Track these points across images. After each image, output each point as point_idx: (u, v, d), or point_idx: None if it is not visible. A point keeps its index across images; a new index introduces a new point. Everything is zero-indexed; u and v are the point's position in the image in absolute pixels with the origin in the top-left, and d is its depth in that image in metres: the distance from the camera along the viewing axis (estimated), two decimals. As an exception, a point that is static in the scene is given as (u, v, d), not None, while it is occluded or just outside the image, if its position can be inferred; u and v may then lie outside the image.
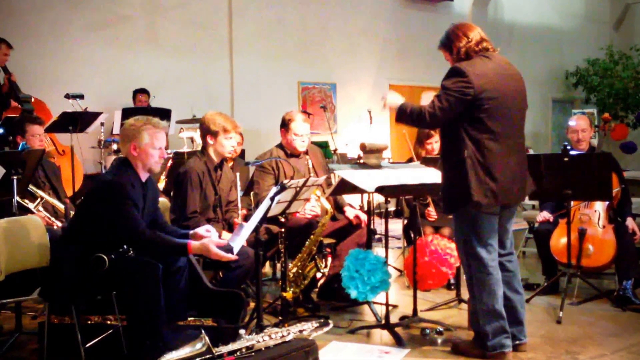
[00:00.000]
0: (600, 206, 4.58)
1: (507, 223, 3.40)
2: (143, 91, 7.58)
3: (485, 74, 3.16)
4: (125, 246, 3.09)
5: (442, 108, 3.15)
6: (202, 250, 3.20)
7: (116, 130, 6.81)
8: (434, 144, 5.07)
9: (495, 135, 3.16)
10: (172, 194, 4.30)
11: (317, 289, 4.59)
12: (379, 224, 6.56)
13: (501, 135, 3.17)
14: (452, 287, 4.68)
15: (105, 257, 3.03)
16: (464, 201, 3.18)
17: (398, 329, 3.77)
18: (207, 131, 4.10)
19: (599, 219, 4.55)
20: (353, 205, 4.70)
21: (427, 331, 3.79)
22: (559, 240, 4.56)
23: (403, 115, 3.33)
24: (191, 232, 3.43)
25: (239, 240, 3.34)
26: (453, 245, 4.08)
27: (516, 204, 3.43)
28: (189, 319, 3.45)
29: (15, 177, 3.89)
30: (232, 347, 2.82)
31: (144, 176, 3.30)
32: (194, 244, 3.20)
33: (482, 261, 3.26)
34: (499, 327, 3.27)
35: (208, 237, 3.30)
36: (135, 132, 3.23)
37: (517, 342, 3.39)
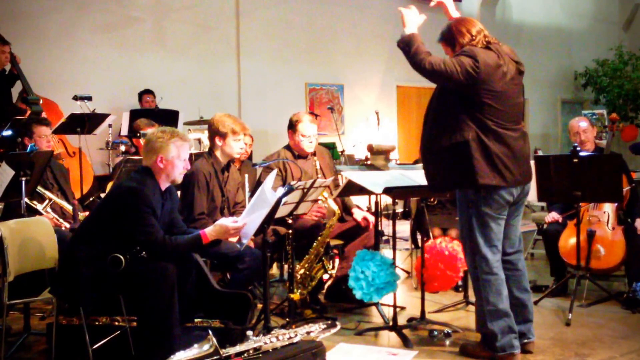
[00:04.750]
0: (609, 207, 4.55)
1: (512, 219, 3.39)
2: (149, 92, 7.62)
3: (492, 64, 3.16)
4: (138, 247, 3.13)
5: (446, 71, 3.10)
6: (218, 231, 3.24)
7: (124, 131, 6.84)
8: None
9: (500, 121, 3.17)
10: (179, 195, 4.31)
11: (324, 291, 4.59)
12: (386, 226, 6.54)
13: (506, 121, 3.18)
14: (460, 289, 4.66)
15: (122, 257, 3.05)
16: (466, 183, 3.18)
17: (406, 331, 3.76)
18: (215, 133, 4.10)
19: (608, 221, 4.52)
20: (361, 207, 4.69)
21: (435, 333, 3.78)
22: (567, 242, 4.53)
23: (408, 46, 3.19)
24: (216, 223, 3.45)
25: (250, 226, 3.34)
26: (461, 247, 4.07)
27: (521, 199, 3.38)
28: (197, 320, 3.46)
29: (23, 179, 3.91)
30: (239, 348, 2.82)
31: (163, 186, 3.36)
32: (207, 229, 3.26)
33: (488, 262, 3.26)
34: (506, 327, 3.26)
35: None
36: (163, 145, 3.29)
37: (526, 340, 3.39)
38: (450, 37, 3.31)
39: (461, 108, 3.17)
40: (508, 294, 3.32)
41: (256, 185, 4.88)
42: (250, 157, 6.38)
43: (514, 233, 3.41)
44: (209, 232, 3.26)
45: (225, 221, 3.28)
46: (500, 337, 3.25)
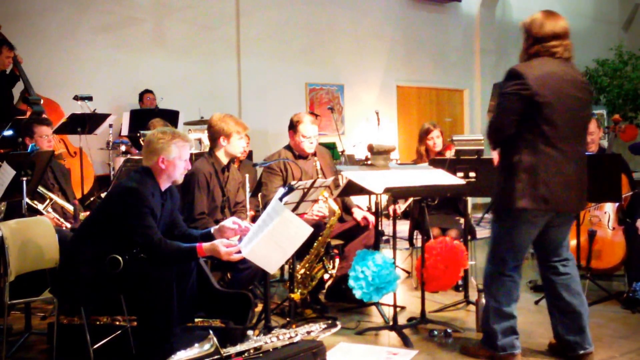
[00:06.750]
0: (610, 208, 4.56)
1: (557, 229, 3.27)
2: (149, 92, 7.63)
3: (543, 77, 3.09)
4: (138, 248, 3.13)
5: (502, 111, 3.11)
6: (212, 252, 3.21)
7: (124, 131, 6.84)
8: (436, 139, 5.12)
9: (549, 140, 3.08)
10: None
11: (324, 290, 4.59)
12: (386, 225, 6.55)
13: (557, 140, 3.09)
14: (460, 288, 4.66)
15: (120, 258, 3.05)
16: (508, 205, 3.13)
17: (406, 331, 3.76)
18: (220, 133, 4.10)
19: (608, 221, 4.53)
20: (361, 207, 4.69)
21: (435, 332, 3.79)
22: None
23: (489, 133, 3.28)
24: (215, 227, 3.44)
25: (250, 245, 3.33)
26: (462, 248, 4.08)
27: (572, 213, 3.32)
28: (197, 320, 3.47)
29: (24, 179, 3.91)
30: (240, 348, 2.83)
31: (164, 186, 3.35)
32: (204, 245, 3.21)
33: (505, 264, 3.24)
34: (508, 327, 3.26)
35: (233, 229, 3.37)
36: (165, 146, 3.28)
37: (582, 351, 3.25)
38: (529, 28, 3.37)
39: (517, 127, 3.12)
40: (558, 299, 3.28)
41: (256, 186, 4.88)
42: (250, 157, 6.39)
43: (559, 243, 3.31)
44: (206, 247, 3.20)
45: (220, 245, 3.20)
46: (501, 336, 3.25)
